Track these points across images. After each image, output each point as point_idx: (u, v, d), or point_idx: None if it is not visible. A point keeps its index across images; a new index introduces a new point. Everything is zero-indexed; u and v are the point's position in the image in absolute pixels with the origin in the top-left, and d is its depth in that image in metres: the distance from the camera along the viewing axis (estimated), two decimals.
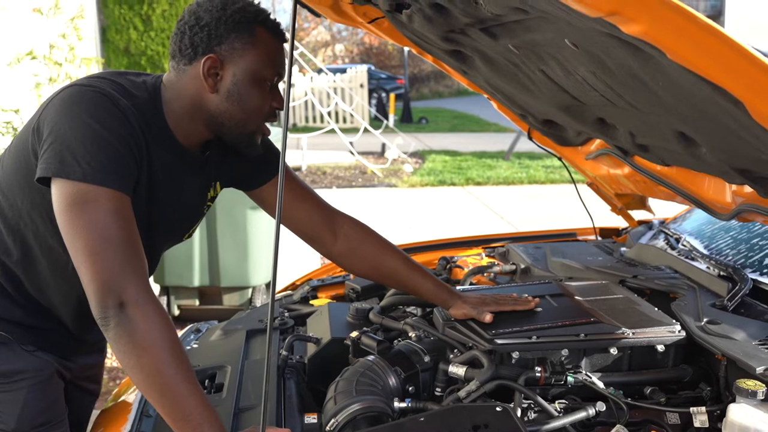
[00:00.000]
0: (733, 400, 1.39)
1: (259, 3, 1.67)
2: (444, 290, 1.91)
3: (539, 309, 1.83)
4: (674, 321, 1.73)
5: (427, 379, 1.72)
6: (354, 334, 1.87)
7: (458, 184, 11.01)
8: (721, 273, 2.04)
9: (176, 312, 5.04)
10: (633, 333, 1.67)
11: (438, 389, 1.69)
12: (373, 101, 19.47)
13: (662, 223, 2.83)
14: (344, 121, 16.21)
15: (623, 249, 2.60)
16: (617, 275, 2.16)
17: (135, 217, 1.49)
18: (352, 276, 2.51)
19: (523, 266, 2.50)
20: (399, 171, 12.09)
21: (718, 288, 1.94)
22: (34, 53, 4.46)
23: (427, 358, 1.73)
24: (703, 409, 1.51)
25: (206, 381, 1.90)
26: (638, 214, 3.03)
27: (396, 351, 1.77)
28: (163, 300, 4.96)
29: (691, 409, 1.52)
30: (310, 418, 1.66)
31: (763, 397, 1.35)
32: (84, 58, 4.69)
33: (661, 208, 2.95)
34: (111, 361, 3.75)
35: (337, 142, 12.40)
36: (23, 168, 1.57)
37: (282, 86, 1.64)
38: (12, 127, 4.21)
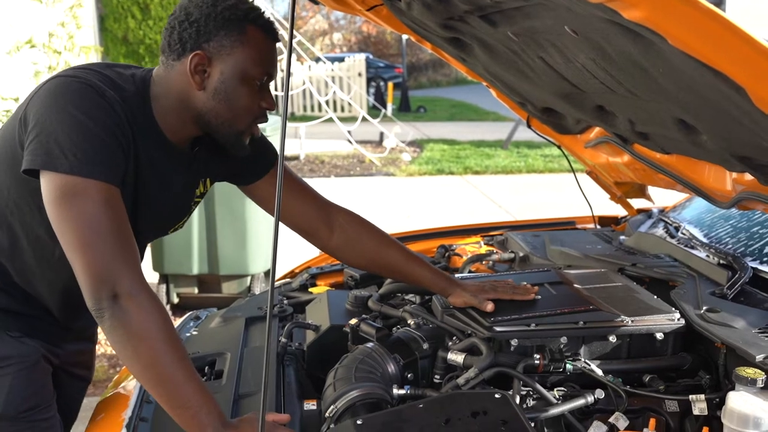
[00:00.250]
0: (733, 388, 1.40)
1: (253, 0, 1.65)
2: (442, 278, 1.91)
3: (538, 297, 1.83)
4: (673, 309, 1.73)
5: (426, 366, 1.72)
6: (353, 321, 1.87)
7: (456, 173, 11.01)
8: (721, 261, 2.04)
9: (175, 300, 5.05)
10: (632, 321, 1.67)
11: (437, 376, 1.70)
12: (371, 90, 19.43)
13: (662, 211, 2.83)
14: (342, 110, 16.18)
15: (622, 237, 2.60)
16: (616, 263, 2.16)
17: None
18: None
19: (521, 254, 2.50)
20: (397, 160, 12.08)
21: (718, 276, 1.95)
22: (33, 42, 4.45)
23: (425, 346, 1.73)
24: (702, 396, 1.51)
25: (206, 368, 1.91)
26: (637, 203, 3.03)
27: (395, 338, 1.78)
28: (163, 288, 4.97)
29: (690, 396, 1.52)
30: (310, 405, 1.66)
31: (762, 385, 1.35)
32: (83, 47, 4.68)
33: (661, 197, 2.95)
34: (111, 348, 3.75)
35: (335, 131, 12.38)
36: (9, 158, 1.56)
37: (284, 84, 1.62)
38: None
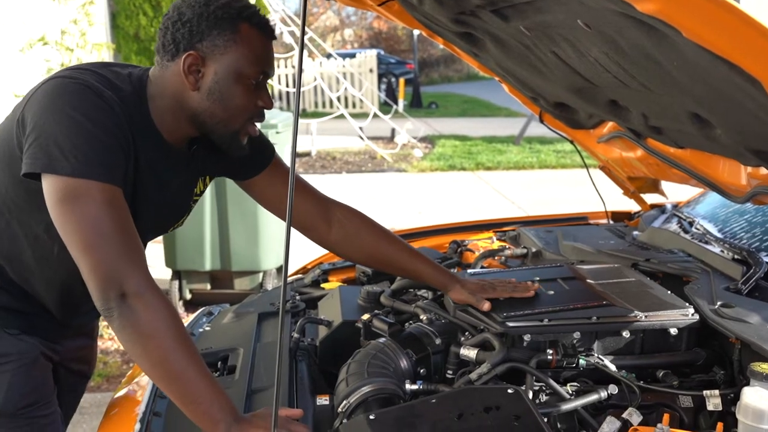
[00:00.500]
0: (747, 384, 1.39)
1: None
2: (442, 274, 1.90)
3: (551, 292, 1.82)
4: (687, 304, 1.72)
5: (439, 361, 1.72)
6: (365, 316, 1.87)
7: (468, 168, 10.99)
8: (736, 256, 2.02)
9: (188, 296, 5.07)
10: (645, 316, 1.66)
11: (449, 372, 1.70)
12: (383, 86, 19.38)
13: (675, 206, 2.81)
14: (354, 106, 16.18)
15: (635, 233, 2.59)
16: (629, 259, 2.15)
17: None
18: None
19: (534, 250, 2.49)
20: (409, 156, 12.06)
21: (732, 271, 1.93)
22: (46, 39, 4.47)
23: (438, 341, 1.73)
24: (717, 392, 1.50)
25: (219, 363, 1.91)
26: (651, 198, 3.01)
27: (407, 333, 1.77)
28: (175, 284, 4.99)
29: (705, 392, 1.51)
30: (322, 400, 1.67)
31: None
32: (95, 44, 4.70)
33: (674, 192, 2.93)
34: None
35: (346, 127, 12.37)
36: (7, 158, 1.56)
37: (296, 81, 1.62)
38: None
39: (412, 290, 2.15)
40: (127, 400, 1.84)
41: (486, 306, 1.74)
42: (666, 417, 1.37)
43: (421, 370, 1.69)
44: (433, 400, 1.41)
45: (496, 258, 2.52)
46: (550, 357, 1.58)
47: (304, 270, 2.76)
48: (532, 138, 12.93)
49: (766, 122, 1.31)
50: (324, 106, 17.09)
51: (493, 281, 1.86)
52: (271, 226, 4.82)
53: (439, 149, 12.60)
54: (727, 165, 1.88)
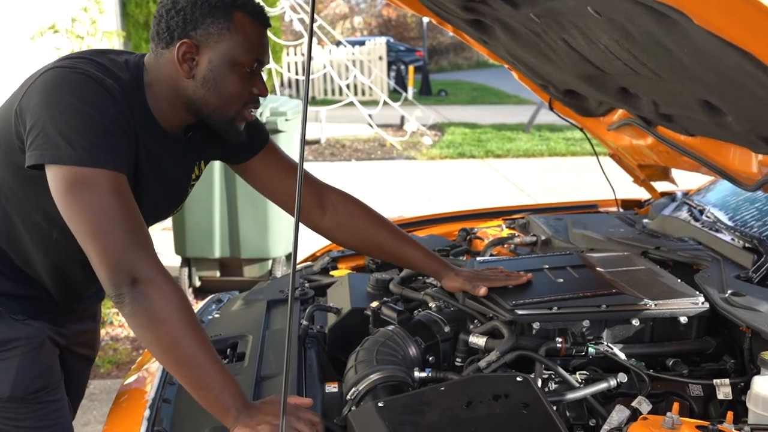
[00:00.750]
0: (758, 373, 1.38)
1: None
2: (435, 261, 1.90)
3: (560, 280, 1.82)
4: (698, 293, 1.71)
5: (448, 349, 1.72)
6: (374, 304, 1.87)
7: (478, 156, 10.96)
8: (746, 245, 2.01)
9: (197, 283, 5.09)
10: (655, 304, 1.65)
11: (458, 359, 1.70)
12: (392, 74, 19.34)
13: (685, 194, 2.80)
14: (363, 93, 16.14)
15: (645, 221, 2.58)
16: (639, 247, 2.14)
17: None
18: None
19: (543, 238, 2.48)
20: (418, 143, 12.04)
21: (743, 260, 1.92)
22: (56, 27, 4.47)
23: (447, 329, 1.73)
24: (727, 381, 1.50)
25: (228, 350, 1.92)
26: (661, 186, 3.00)
27: (416, 321, 1.78)
28: (185, 271, 5.01)
29: (715, 381, 1.51)
30: (331, 387, 1.67)
31: None
32: (105, 32, 4.70)
33: (685, 180, 2.92)
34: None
35: (355, 115, 12.35)
36: (3, 144, 1.57)
37: (305, 68, 1.61)
38: None
39: (421, 278, 2.15)
40: (137, 386, 1.86)
41: (482, 291, 1.75)
42: (675, 406, 1.37)
43: (430, 358, 1.69)
44: (442, 388, 1.41)
45: (505, 246, 2.52)
46: (559, 345, 1.58)
47: (313, 257, 2.77)
48: (542, 125, 12.88)
49: None
50: (333, 93, 17.06)
51: (486, 270, 1.86)
52: (281, 214, 4.82)
53: (449, 137, 12.57)
54: (737, 152, 1.86)
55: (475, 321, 1.75)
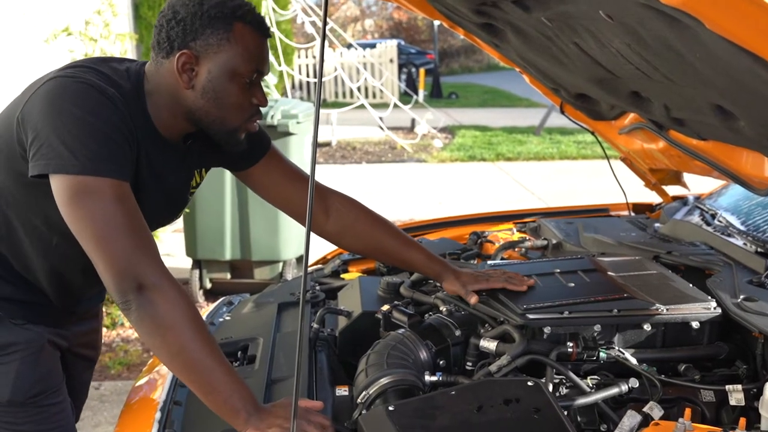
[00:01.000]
0: None
1: None
2: (437, 263, 1.91)
3: (572, 284, 1.81)
4: (710, 298, 1.70)
5: (458, 353, 1.72)
6: (385, 307, 1.87)
7: (488, 159, 10.95)
8: (759, 249, 2.00)
9: (208, 285, 5.10)
10: (667, 309, 1.65)
11: (469, 363, 1.70)
12: (403, 76, 19.33)
13: (697, 198, 2.79)
14: (374, 96, 16.15)
15: (657, 225, 2.57)
16: (651, 251, 2.14)
17: None
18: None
19: (554, 241, 2.48)
20: (429, 146, 12.04)
21: (756, 264, 1.91)
22: (70, 30, 4.50)
23: (458, 332, 1.73)
24: (739, 387, 1.49)
25: (239, 353, 1.93)
26: (672, 190, 2.99)
27: (427, 325, 1.78)
28: (196, 273, 5.02)
29: (727, 387, 1.50)
30: (342, 391, 1.67)
31: None
32: (118, 34, 4.72)
33: (696, 184, 2.90)
34: None
35: (366, 118, 12.35)
36: (5, 150, 1.58)
37: (318, 71, 1.61)
38: None
39: (431, 281, 2.15)
40: (148, 388, 1.86)
41: (473, 300, 1.77)
42: (687, 411, 1.36)
43: (441, 362, 1.69)
44: (453, 392, 1.41)
45: (516, 249, 2.51)
46: (570, 349, 1.58)
47: (324, 260, 2.77)
48: (553, 129, 12.85)
49: None
50: (344, 96, 17.08)
51: (487, 271, 1.86)
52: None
53: (459, 140, 12.56)
54: (750, 157, 1.85)
55: (486, 325, 1.75)
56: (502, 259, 2.42)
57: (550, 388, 1.52)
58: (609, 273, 1.91)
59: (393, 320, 1.84)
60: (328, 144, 12.05)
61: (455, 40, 29.82)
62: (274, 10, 9.05)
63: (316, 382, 1.71)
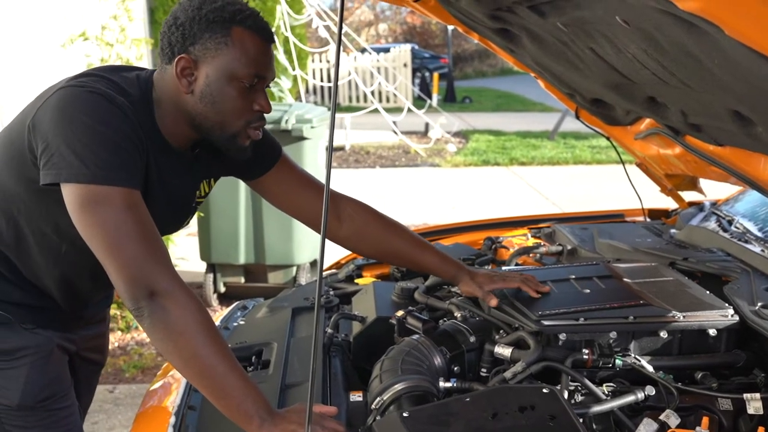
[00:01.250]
0: None
1: (247, 2, 1.62)
2: (452, 265, 1.91)
3: (587, 290, 1.80)
4: (727, 305, 1.69)
5: (473, 359, 1.71)
6: (399, 313, 1.87)
7: (502, 164, 10.93)
8: None
9: (222, 289, 5.12)
10: (684, 316, 1.63)
11: (483, 370, 1.69)
12: (417, 81, 19.36)
13: (714, 204, 2.77)
14: (387, 100, 16.17)
15: (673, 231, 2.55)
16: (667, 257, 2.12)
17: None
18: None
19: (569, 247, 2.47)
20: (442, 151, 12.03)
21: None
22: (86, 35, 4.53)
23: (472, 338, 1.73)
24: (758, 395, 1.48)
25: (253, 357, 1.93)
26: (688, 195, 2.97)
27: (441, 330, 1.77)
28: (210, 277, 5.04)
29: (745, 395, 1.49)
30: (356, 396, 1.67)
31: None
32: (134, 39, 4.75)
33: (713, 189, 2.88)
34: None
35: (380, 122, 12.36)
36: (17, 157, 1.59)
37: (334, 75, 1.62)
38: None
39: (446, 287, 2.15)
40: (163, 393, 1.87)
41: (493, 302, 1.75)
42: (705, 420, 1.35)
43: (455, 368, 1.68)
44: (467, 399, 1.41)
45: (530, 255, 2.50)
46: (585, 356, 1.57)
47: (338, 265, 2.77)
48: (567, 133, 12.81)
49: None
50: (358, 100, 17.11)
51: (504, 272, 1.85)
52: None
53: (473, 144, 12.54)
54: None
55: (501, 331, 1.74)
56: (517, 264, 2.41)
57: (566, 395, 1.51)
58: (624, 279, 1.90)
59: (407, 326, 1.83)
60: (341, 148, 12.07)
61: (469, 44, 29.82)
62: (288, 14, 9.08)
63: (330, 388, 1.71)
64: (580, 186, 9.24)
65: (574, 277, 1.89)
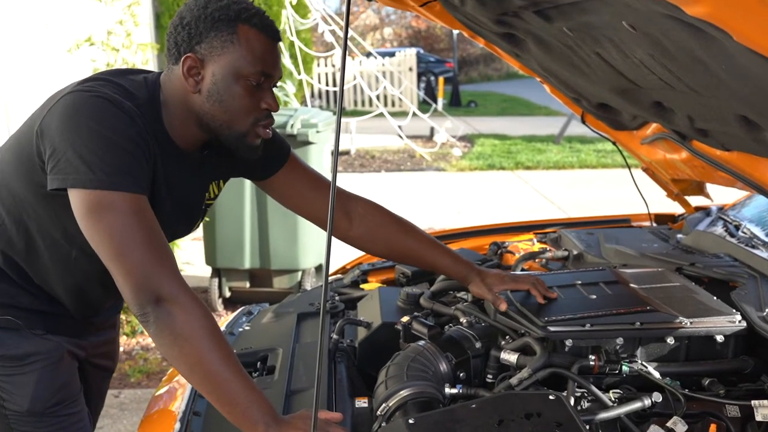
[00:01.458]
0: None
1: (252, 0, 1.62)
2: (463, 265, 1.90)
3: (593, 296, 1.80)
4: (734, 311, 1.68)
5: (479, 365, 1.71)
6: (405, 319, 1.87)
7: (507, 168, 10.92)
8: None
9: (227, 294, 5.12)
10: (691, 322, 1.63)
11: (489, 376, 1.68)
12: (422, 85, 19.35)
13: (720, 209, 2.76)
14: (393, 104, 16.18)
15: (680, 236, 2.54)
16: (674, 263, 2.11)
17: None
18: None
19: (575, 252, 2.46)
20: (448, 155, 12.03)
21: None
22: (92, 40, 4.54)
23: (478, 344, 1.72)
24: (766, 402, 1.47)
25: (258, 363, 1.92)
26: (695, 200, 2.96)
27: (447, 336, 1.76)
28: (215, 282, 5.04)
29: (753, 402, 1.48)
30: (361, 402, 1.66)
31: None
32: (140, 44, 4.76)
33: (719, 194, 2.87)
34: None
35: (385, 126, 12.35)
36: (26, 162, 1.59)
37: (340, 79, 1.61)
38: None
39: (452, 292, 2.14)
40: (168, 398, 1.86)
41: (503, 306, 1.74)
42: (713, 427, 1.35)
43: (461, 374, 1.68)
44: (473, 405, 1.40)
45: (536, 260, 2.50)
46: (592, 363, 1.56)
47: (344, 270, 2.77)
48: (572, 137, 12.80)
49: None
50: (363, 104, 17.13)
51: (514, 273, 1.84)
52: (311, 226, 4.77)
53: (479, 148, 12.54)
54: None
55: (507, 337, 1.74)
56: (523, 269, 2.40)
57: (572, 401, 1.50)
58: (631, 285, 1.89)
59: (413, 332, 1.83)
60: (347, 152, 12.07)
61: (474, 49, 29.83)
62: (294, 18, 9.09)
63: (336, 394, 1.70)
64: (585, 190, 9.22)
65: (580, 282, 1.89)
